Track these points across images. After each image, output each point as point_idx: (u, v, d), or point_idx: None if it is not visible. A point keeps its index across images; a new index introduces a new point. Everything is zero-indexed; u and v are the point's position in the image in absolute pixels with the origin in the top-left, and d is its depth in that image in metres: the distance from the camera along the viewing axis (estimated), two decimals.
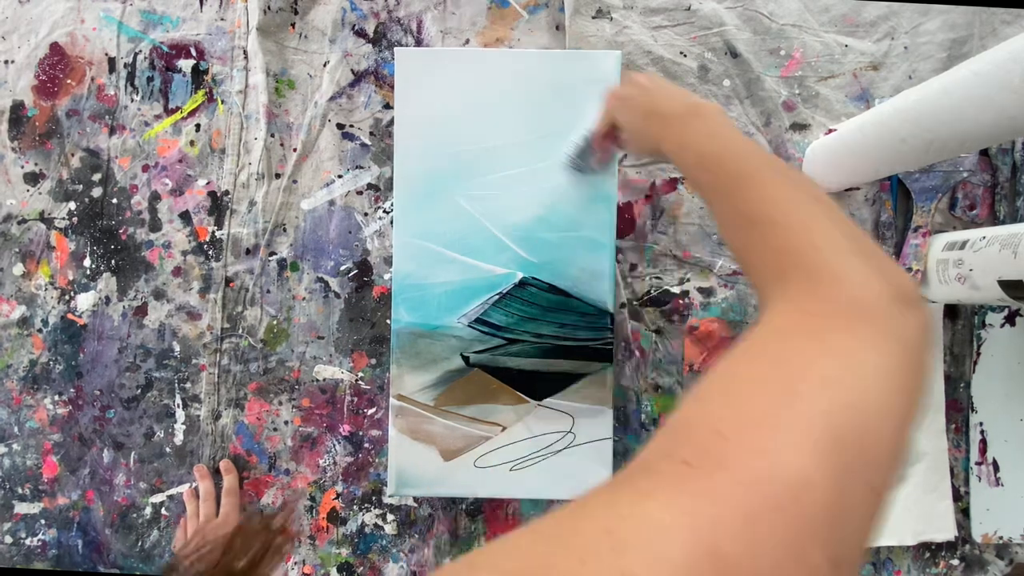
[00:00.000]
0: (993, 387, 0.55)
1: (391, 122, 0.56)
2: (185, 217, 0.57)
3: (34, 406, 0.57)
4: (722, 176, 0.32)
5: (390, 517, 0.56)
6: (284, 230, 0.57)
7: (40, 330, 0.57)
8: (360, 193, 0.57)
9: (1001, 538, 0.54)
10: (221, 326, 0.57)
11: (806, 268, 0.25)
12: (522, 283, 0.51)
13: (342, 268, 0.57)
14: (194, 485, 0.56)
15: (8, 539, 0.57)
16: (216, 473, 0.56)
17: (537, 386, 0.52)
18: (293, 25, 0.57)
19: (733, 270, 0.56)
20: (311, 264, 0.57)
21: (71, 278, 0.57)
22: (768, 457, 0.18)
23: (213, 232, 0.57)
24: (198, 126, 0.57)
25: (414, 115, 0.52)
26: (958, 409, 0.56)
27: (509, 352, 0.52)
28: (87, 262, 0.57)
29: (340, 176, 0.57)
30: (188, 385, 0.57)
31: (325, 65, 0.57)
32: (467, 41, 0.57)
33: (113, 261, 0.57)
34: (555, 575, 0.16)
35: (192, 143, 0.57)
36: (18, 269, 0.57)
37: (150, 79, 0.57)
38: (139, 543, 0.57)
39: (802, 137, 0.56)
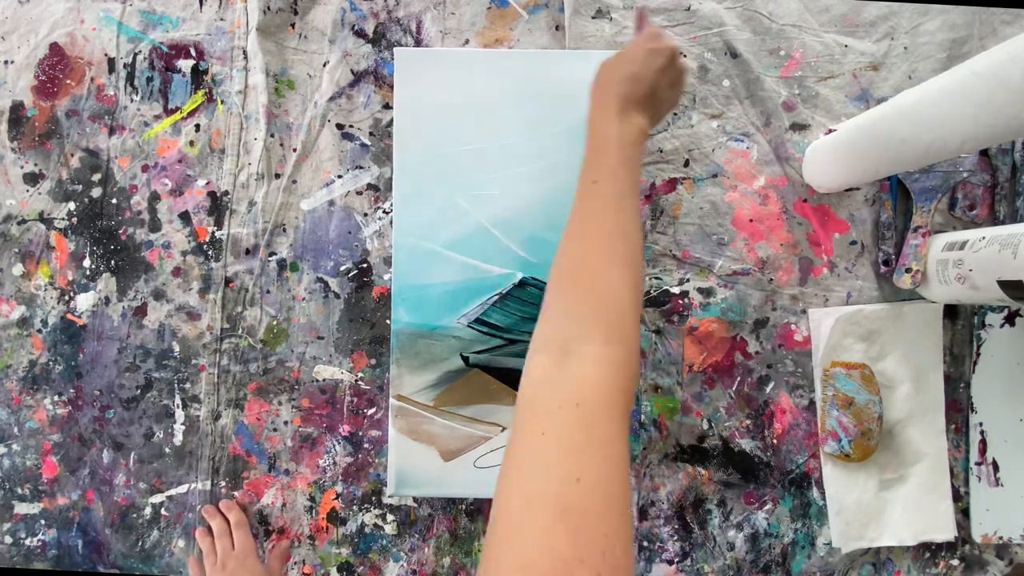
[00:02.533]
0: (993, 387, 0.55)
1: (391, 122, 0.56)
2: (185, 217, 0.57)
3: (34, 406, 0.57)
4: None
5: (390, 517, 0.56)
6: (284, 230, 0.57)
7: (40, 330, 0.57)
8: (360, 193, 0.57)
9: (1001, 538, 0.54)
10: (221, 326, 0.57)
11: None
12: (522, 283, 0.51)
13: (342, 268, 0.57)
14: (204, 526, 0.56)
15: (8, 539, 0.57)
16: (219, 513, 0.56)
17: None
18: (293, 25, 0.57)
19: (733, 270, 0.56)
20: (311, 264, 0.57)
21: (71, 278, 0.57)
22: None
23: (213, 232, 0.57)
24: (198, 126, 0.57)
25: (413, 115, 0.52)
26: (958, 409, 0.56)
27: (509, 352, 0.52)
28: (87, 262, 0.57)
29: (340, 176, 0.57)
30: (188, 385, 0.57)
31: (325, 65, 0.57)
32: (467, 41, 0.57)
33: (113, 261, 0.57)
34: None
35: (192, 143, 0.57)
36: (18, 269, 0.57)
37: (150, 79, 0.57)
38: (139, 543, 0.57)
39: (802, 137, 0.56)
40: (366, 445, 0.56)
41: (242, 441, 0.57)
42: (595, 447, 0.28)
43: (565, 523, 0.25)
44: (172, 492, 0.57)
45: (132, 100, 0.57)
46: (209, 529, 0.56)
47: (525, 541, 0.25)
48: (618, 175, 0.38)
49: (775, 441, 0.56)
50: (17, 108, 0.57)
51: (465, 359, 0.52)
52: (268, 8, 0.56)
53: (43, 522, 0.57)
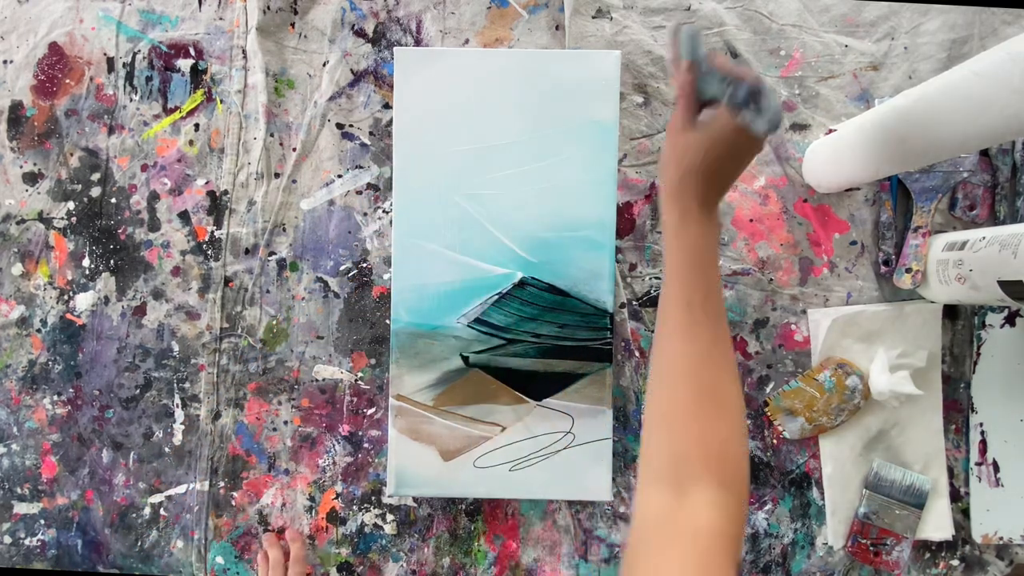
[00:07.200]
0: (993, 387, 0.55)
1: (390, 122, 0.56)
2: (184, 217, 0.57)
3: (33, 406, 0.57)
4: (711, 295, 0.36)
5: (390, 517, 0.56)
6: (283, 230, 0.57)
7: (39, 330, 0.57)
8: (359, 193, 0.57)
9: (1001, 539, 0.54)
10: (220, 326, 0.57)
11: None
12: (521, 283, 0.51)
13: (342, 268, 0.57)
14: (264, 548, 0.55)
15: (7, 539, 0.57)
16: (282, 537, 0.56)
17: (536, 386, 0.52)
18: (292, 25, 0.57)
19: (733, 270, 0.56)
20: (311, 264, 0.57)
21: (70, 278, 0.57)
22: None
23: (212, 232, 0.57)
24: (197, 126, 0.57)
25: (413, 115, 0.52)
26: (958, 409, 0.56)
27: (508, 352, 0.52)
28: (86, 262, 0.57)
29: (340, 176, 0.57)
30: (187, 385, 0.57)
31: (324, 65, 0.57)
32: (467, 41, 0.57)
33: (112, 261, 0.57)
34: None
35: (191, 143, 0.57)
36: (17, 269, 0.57)
37: (149, 79, 0.57)
38: (138, 543, 0.57)
39: (802, 137, 0.55)
40: (366, 445, 0.56)
41: (242, 441, 0.57)
42: None
43: None
44: (171, 492, 0.57)
45: (131, 99, 0.57)
46: (267, 555, 0.54)
47: None
48: (711, 295, 0.35)
49: (775, 441, 0.56)
50: (16, 108, 0.57)
51: (465, 359, 0.52)
52: (268, 7, 0.56)
53: (42, 522, 0.57)
